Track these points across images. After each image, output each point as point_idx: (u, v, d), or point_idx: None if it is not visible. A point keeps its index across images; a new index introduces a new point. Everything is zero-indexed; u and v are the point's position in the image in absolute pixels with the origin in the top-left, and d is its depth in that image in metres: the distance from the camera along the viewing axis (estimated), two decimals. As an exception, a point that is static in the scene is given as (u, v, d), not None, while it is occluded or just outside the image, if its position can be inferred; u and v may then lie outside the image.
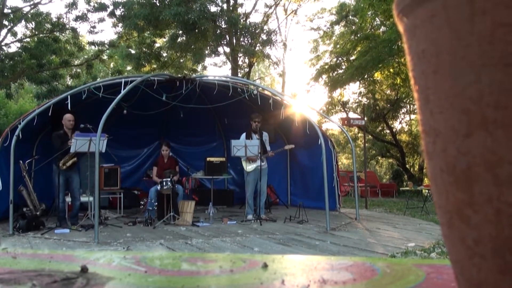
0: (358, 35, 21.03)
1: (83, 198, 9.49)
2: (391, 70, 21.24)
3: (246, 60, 22.11)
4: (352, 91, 27.94)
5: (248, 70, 22.76)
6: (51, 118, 8.73)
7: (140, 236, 7.03)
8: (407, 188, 13.06)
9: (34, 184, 9.44)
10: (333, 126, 35.66)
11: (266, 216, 9.37)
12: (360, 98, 26.06)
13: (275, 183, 12.63)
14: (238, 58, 21.31)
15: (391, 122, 27.11)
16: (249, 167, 9.28)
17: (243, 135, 9.35)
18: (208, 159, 11.22)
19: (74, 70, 24.80)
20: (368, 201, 13.68)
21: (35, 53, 20.06)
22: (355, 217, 9.57)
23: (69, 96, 8.27)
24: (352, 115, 26.03)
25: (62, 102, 8.36)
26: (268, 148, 9.48)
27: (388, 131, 27.27)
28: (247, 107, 10.67)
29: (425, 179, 27.26)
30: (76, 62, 24.67)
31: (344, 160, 38.92)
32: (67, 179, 8.23)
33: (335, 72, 21.91)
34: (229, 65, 23.20)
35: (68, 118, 8.21)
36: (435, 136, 0.39)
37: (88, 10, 21.39)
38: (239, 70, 21.55)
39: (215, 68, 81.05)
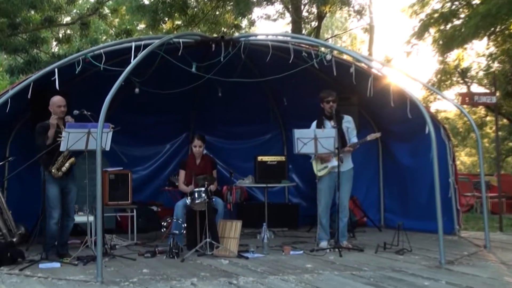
0: (485, -35, 20.53)
1: (80, 218, 9.62)
2: (538, 18, 20.62)
3: (314, 10, 21.96)
4: (477, 52, 27.13)
5: (317, 24, 22.62)
6: (32, 102, 8.88)
7: (162, 273, 7.08)
8: None
9: (8, 198, 9.64)
10: (447, 106, 35.06)
11: (348, 243, 9.32)
12: (489, 62, 25.44)
13: (361, 193, 12.49)
14: (303, 7, 21.19)
15: (538, 98, 26.38)
16: (320, 169, 9.22)
17: (314, 123, 9.28)
18: (259, 158, 11.23)
19: (63, 31, 25.23)
20: (504, 219, 13.36)
21: (6, 8, 20.23)
22: (483, 245, 9.39)
23: (56, 70, 8.34)
24: (476, 88, 25.52)
25: (46, 79, 8.39)
26: (354, 139, 9.32)
27: (533, 113, 26.57)
28: (317, 79, 10.60)
29: None
30: (66, 19, 25.11)
31: (464, 158, 38.26)
32: (62, 190, 8.28)
33: (450, 24, 21.47)
34: (288, 18, 23.17)
35: (57, 102, 8.14)
36: None
37: None
38: (303, 26, 21.45)
39: (268, 23, 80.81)
